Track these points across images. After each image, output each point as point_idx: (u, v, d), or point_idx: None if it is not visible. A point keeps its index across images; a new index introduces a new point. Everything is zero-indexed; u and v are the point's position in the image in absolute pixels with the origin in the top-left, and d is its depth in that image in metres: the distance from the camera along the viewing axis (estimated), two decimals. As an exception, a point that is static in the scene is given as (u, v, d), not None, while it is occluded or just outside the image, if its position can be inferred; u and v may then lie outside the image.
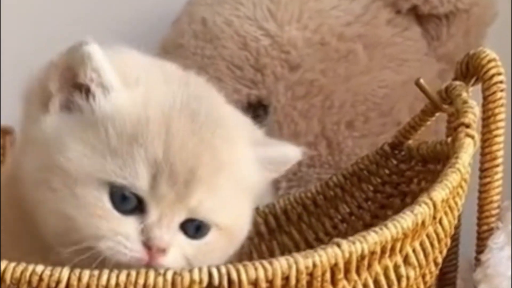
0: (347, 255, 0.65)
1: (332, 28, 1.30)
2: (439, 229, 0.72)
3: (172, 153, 0.67)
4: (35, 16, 1.54)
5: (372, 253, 0.66)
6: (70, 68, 0.68)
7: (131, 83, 0.68)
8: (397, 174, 0.93)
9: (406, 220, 0.67)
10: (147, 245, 0.67)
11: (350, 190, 0.96)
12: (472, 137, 0.76)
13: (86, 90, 0.68)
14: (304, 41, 1.29)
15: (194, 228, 0.70)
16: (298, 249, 0.94)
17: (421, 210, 0.68)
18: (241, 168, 0.71)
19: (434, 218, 0.71)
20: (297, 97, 1.27)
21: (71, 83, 0.68)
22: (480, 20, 1.36)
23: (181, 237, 0.69)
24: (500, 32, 1.39)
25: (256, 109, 1.28)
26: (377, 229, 0.67)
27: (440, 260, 0.74)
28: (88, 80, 0.68)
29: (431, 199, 0.69)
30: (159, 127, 0.67)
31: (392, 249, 0.68)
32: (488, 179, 0.81)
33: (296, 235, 0.98)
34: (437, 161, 0.84)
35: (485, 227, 0.82)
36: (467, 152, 0.74)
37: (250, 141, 0.74)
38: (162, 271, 0.62)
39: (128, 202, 0.67)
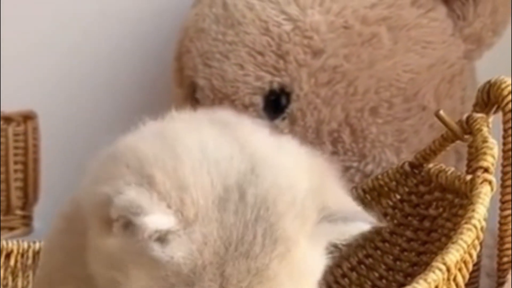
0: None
1: (356, 10, 1.28)
2: (453, 287, 0.71)
3: None
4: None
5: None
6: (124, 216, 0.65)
7: (189, 222, 0.65)
8: (416, 195, 0.93)
9: None
10: None
11: (369, 204, 0.96)
12: (489, 182, 0.74)
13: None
14: (327, 25, 1.27)
15: None
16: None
17: (434, 277, 0.67)
18: (301, 270, 0.67)
19: (448, 280, 0.70)
20: (320, 84, 1.25)
21: (128, 224, 0.66)
22: (508, -2, 1.32)
23: None
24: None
25: (279, 97, 1.27)
26: None
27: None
28: (143, 231, 0.65)
29: (445, 264, 0.68)
30: (213, 272, 0.65)
31: None
32: (508, 211, 0.81)
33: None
34: (455, 194, 0.83)
35: (505, 259, 0.81)
36: (484, 203, 0.73)
37: (313, 223, 0.68)
38: None
39: None
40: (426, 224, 0.89)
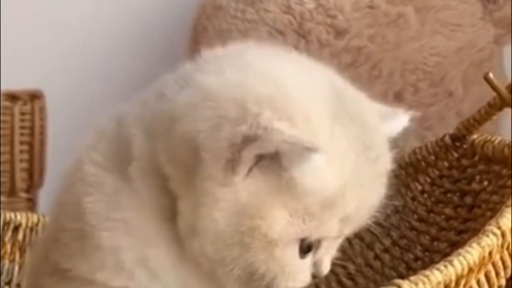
0: (409, 297, 0.59)
1: (382, -10, 1.22)
2: (506, 256, 0.65)
3: (364, 203, 0.66)
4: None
5: (435, 292, 0.60)
6: (264, 153, 0.63)
7: (326, 149, 0.63)
8: (457, 169, 0.86)
9: (472, 254, 0.61)
10: (316, 275, 0.69)
11: (405, 180, 0.89)
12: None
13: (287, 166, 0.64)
14: (351, 4, 1.22)
15: None
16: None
17: (488, 242, 0.62)
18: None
19: (502, 246, 0.64)
20: (343, 65, 1.20)
21: (264, 158, 0.64)
22: (541, -19, 1.27)
23: None
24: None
25: (300, 78, 1.21)
26: (441, 267, 0.60)
27: (503, 283, 0.68)
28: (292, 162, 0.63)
29: (499, 228, 0.63)
30: (354, 186, 0.65)
31: (456, 285, 0.62)
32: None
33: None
34: (503, 164, 0.77)
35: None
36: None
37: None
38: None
39: (311, 248, 0.67)
40: (468, 200, 0.83)
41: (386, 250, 0.89)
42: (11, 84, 1.33)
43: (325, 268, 0.68)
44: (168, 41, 1.45)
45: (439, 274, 0.59)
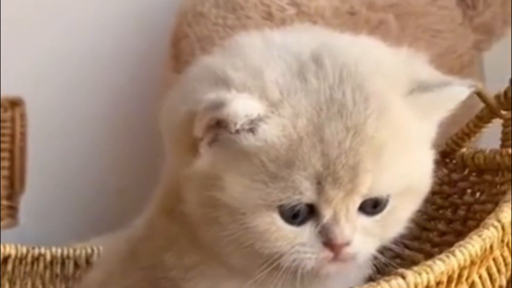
0: (412, 287, 0.60)
1: (362, -4, 1.23)
2: (506, 252, 0.66)
3: (332, 160, 0.63)
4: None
5: (438, 283, 0.61)
6: (216, 121, 0.64)
7: (276, 102, 0.64)
8: (448, 185, 0.85)
9: (474, 246, 0.62)
10: (330, 244, 0.65)
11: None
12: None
13: (235, 132, 0.64)
14: (332, 11, 1.22)
15: (372, 205, 0.66)
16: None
17: (489, 234, 0.63)
18: (402, 131, 0.65)
19: (502, 241, 0.65)
20: (325, 71, 1.20)
21: (218, 128, 0.64)
22: (520, -13, 1.28)
23: (362, 220, 0.66)
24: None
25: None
26: (443, 257, 0.61)
27: (504, 284, 0.68)
28: (237, 128, 0.64)
29: (499, 221, 0.63)
30: (312, 141, 0.63)
31: (459, 277, 0.62)
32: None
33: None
34: (495, 172, 0.77)
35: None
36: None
37: (406, 91, 0.66)
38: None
39: (299, 214, 0.65)
40: (461, 213, 0.82)
41: (378, 271, 0.88)
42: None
43: (336, 235, 0.65)
44: (147, 48, 1.45)
45: (442, 264, 0.60)
